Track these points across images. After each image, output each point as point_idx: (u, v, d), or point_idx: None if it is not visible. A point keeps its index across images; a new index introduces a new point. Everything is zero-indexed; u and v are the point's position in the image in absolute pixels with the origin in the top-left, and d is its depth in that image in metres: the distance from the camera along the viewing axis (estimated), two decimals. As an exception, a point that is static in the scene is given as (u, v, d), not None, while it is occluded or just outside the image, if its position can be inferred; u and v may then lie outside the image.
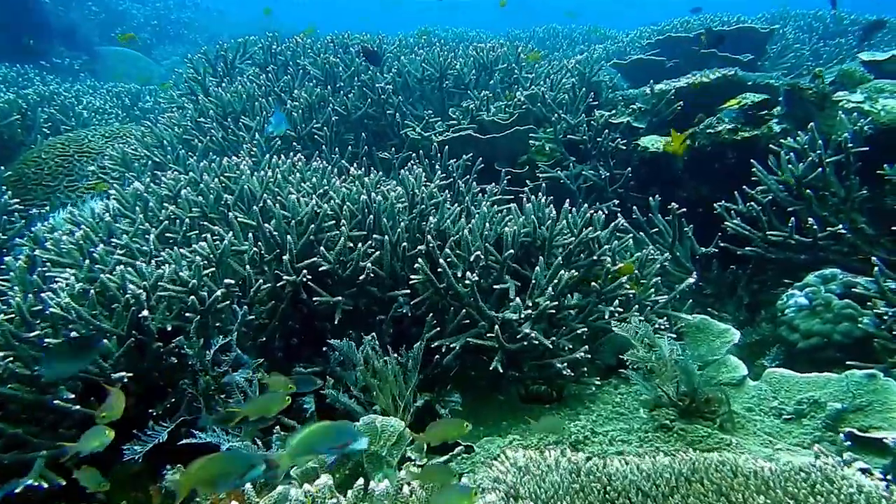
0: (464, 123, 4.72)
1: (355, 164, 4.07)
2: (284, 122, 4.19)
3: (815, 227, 3.00)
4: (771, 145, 3.40)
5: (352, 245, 2.76)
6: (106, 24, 13.07)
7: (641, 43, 7.81)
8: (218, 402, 2.39)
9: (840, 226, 2.96)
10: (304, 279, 2.61)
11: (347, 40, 5.80)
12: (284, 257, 2.61)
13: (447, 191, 3.59)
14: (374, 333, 2.66)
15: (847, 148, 3.01)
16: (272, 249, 2.77)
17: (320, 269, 2.67)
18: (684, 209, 3.44)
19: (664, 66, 6.09)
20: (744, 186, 3.36)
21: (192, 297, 2.36)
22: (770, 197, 3.24)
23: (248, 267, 2.56)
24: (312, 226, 2.79)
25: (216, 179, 3.17)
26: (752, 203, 3.24)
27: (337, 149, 4.41)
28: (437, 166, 4.06)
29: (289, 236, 2.64)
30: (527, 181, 4.31)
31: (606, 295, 2.81)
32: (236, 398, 2.37)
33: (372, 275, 2.69)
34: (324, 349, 2.70)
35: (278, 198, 3.08)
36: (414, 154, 4.24)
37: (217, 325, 2.47)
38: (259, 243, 2.74)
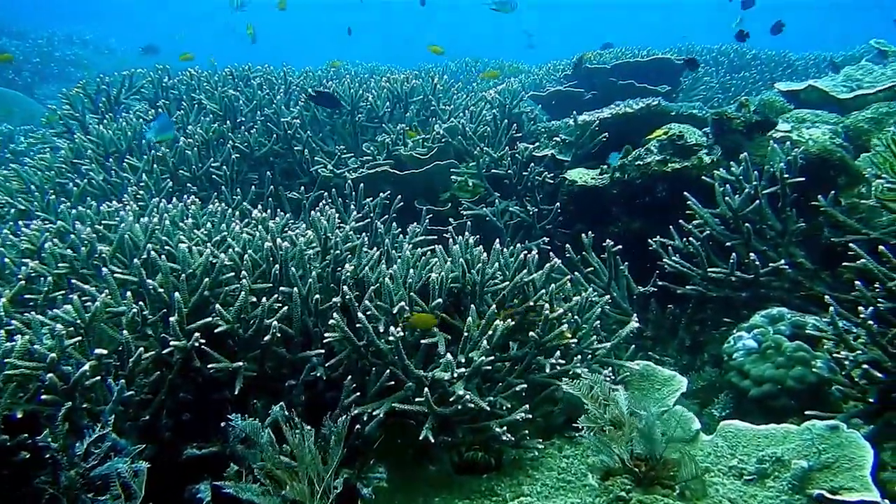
0: (379, 159, 4.47)
1: (259, 206, 3.73)
2: (171, 128, 3.83)
3: (756, 262, 2.90)
4: (703, 177, 3.32)
5: (255, 300, 2.41)
6: (-21, 61, 12.12)
7: (556, 75, 7.86)
8: (86, 501, 1.97)
9: (782, 261, 2.87)
10: (196, 343, 2.23)
11: (248, 72, 5.47)
12: (172, 318, 2.24)
13: (364, 233, 3.31)
14: (283, 403, 2.31)
15: (783, 179, 2.94)
16: (158, 310, 2.39)
17: (216, 329, 2.31)
18: (619, 246, 3.29)
19: (582, 97, 6.09)
20: (680, 221, 3.24)
21: (51, 374, 1.95)
22: (707, 232, 3.13)
23: (125, 332, 2.17)
24: (207, 279, 2.44)
25: (90, 228, 2.76)
26: (690, 238, 3.13)
27: (239, 189, 4.05)
28: (351, 206, 3.78)
29: (177, 293, 2.27)
30: (450, 219, 4.09)
31: (545, 345, 2.58)
32: (113, 493, 1.97)
33: (279, 334, 2.35)
34: (222, 424, 2.33)
35: (166, 247, 2.71)
36: (325, 193, 3.94)
37: (85, 406, 2.06)
38: (141, 303, 2.36)
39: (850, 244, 2.56)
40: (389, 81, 5.07)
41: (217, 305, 2.31)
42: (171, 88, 5.26)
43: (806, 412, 2.30)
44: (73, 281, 2.38)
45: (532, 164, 4.22)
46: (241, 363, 2.32)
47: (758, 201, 3.00)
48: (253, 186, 4.11)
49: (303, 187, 4.20)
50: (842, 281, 2.85)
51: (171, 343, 2.21)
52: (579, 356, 2.64)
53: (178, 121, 4.66)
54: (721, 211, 3.11)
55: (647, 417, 2.05)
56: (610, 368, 2.75)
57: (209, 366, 2.27)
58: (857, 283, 2.44)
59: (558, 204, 4.08)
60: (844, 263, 2.70)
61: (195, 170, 4.04)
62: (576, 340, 2.61)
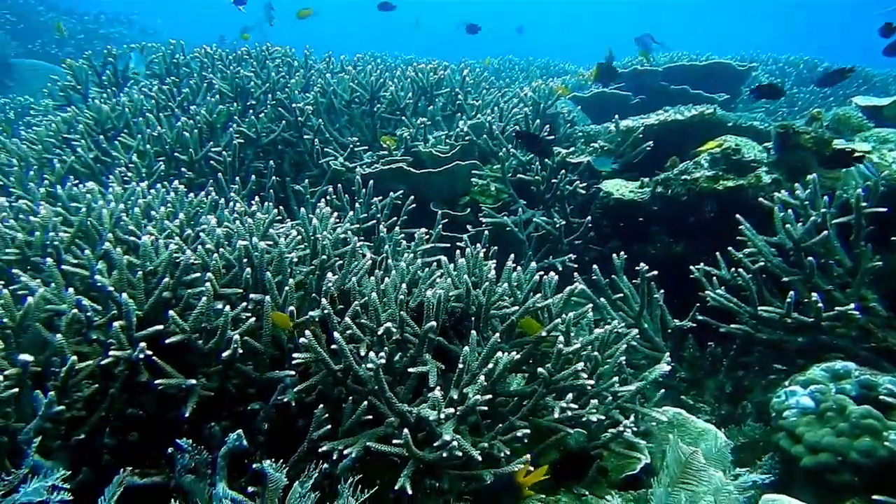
0: (396, 154, 4.18)
1: (257, 199, 3.48)
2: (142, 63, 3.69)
3: (818, 303, 2.53)
4: (761, 199, 2.96)
5: (220, 307, 2.14)
6: (24, 35, 12.20)
7: (604, 78, 7.52)
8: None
9: (850, 304, 2.50)
10: (141, 355, 1.97)
11: (267, 53, 5.24)
12: (116, 323, 1.97)
13: (361, 237, 3.03)
14: (240, 431, 2.03)
15: (859, 207, 2.57)
16: (110, 311, 2.14)
17: (167, 340, 2.04)
18: (655, 272, 2.95)
19: (629, 101, 5.73)
20: (729, 248, 2.89)
21: (-45, 383, 1.70)
22: (761, 263, 2.77)
23: (58, 336, 1.91)
24: (167, 279, 2.17)
25: (51, 211, 2.52)
26: (740, 269, 2.77)
27: (239, 178, 3.80)
28: (357, 204, 3.50)
29: (123, 294, 2.01)
30: (468, 226, 3.79)
31: (556, 385, 2.26)
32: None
33: (241, 350, 2.08)
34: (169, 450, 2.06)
35: (130, 238, 2.47)
36: (331, 188, 3.67)
37: (1, 423, 1.81)
38: (89, 301, 2.10)
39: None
40: (415, 70, 4.79)
41: (171, 312, 2.04)
42: (182, 65, 5.06)
43: (874, 497, 1.94)
44: (14, 270, 2.14)
45: (564, 170, 3.90)
46: (194, 381, 2.04)
47: (825, 232, 2.63)
48: (254, 176, 3.85)
49: (310, 181, 3.94)
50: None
51: (111, 352, 1.94)
52: (597, 399, 2.31)
53: (183, 99, 4.44)
54: (779, 240, 2.75)
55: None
56: (633, 415, 2.42)
57: (156, 381, 2.00)
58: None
59: (590, 217, 3.74)
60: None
61: (192, 153, 3.81)
62: (592, 382, 2.28)
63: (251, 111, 4.38)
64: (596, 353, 2.42)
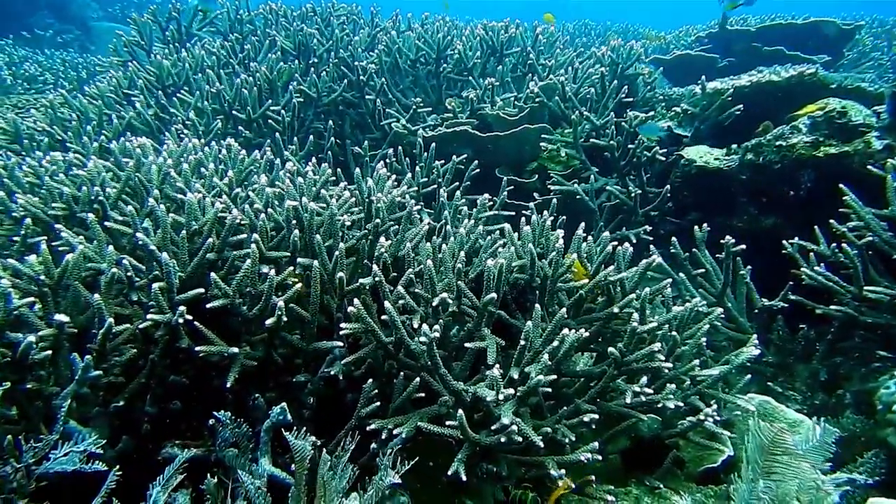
0: (461, 117, 3.99)
1: (314, 160, 3.36)
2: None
3: (935, 285, 2.24)
4: (869, 167, 2.64)
5: (266, 271, 2.02)
6: (107, -1, 12.43)
7: (687, 40, 7.10)
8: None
9: (974, 287, 2.20)
10: (181, 319, 1.86)
11: (332, 10, 5.09)
12: (155, 285, 1.87)
13: (420, 202, 2.87)
14: (283, 405, 1.92)
15: None
16: (150, 271, 2.05)
17: (209, 305, 1.93)
18: (742, 246, 2.69)
19: (716, 64, 5.35)
20: (830, 221, 2.60)
21: (-13, 341, 1.63)
22: (868, 238, 2.47)
23: (96, 296, 1.83)
24: (211, 240, 2.07)
25: (100, 164, 2.46)
26: (843, 245, 2.49)
27: (297, 139, 3.69)
28: (418, 167, 3.33)
29: (165, 254, 1.91)
30: (535, 194, 3.58)
31: (629, 366, 2.06)
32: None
33: (285, 317, 1.95)
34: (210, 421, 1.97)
35: (178, 195, 2.37)
36: (391, 151, 3.51)
37: (35, 387, 1.74)
38: (131, 261, 2.02)
39: None
40: (485, 28, 4.56)
41: (213, 275, 1.93)
42: (246, 22, 4.97)
43: None
44: (57, 226, 2.07)
45: (639, 137, 3.62)
46: (237, 349, 1.94)
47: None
48: (312, 137, 3.73)
49: (366, 143, 3.79)
50: None
51: (149, 316, 1.85)
52: (674, 384, 2.10)
53: (245, 57, 4.35)
54: (891, 213, 2.45)
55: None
56: (715, 403, 2.20)
57: (197, 348, 1.90)
58: None
59: (668, 187, 3.47)
60: None
61: (250, 112, 3.71)
62: (670, 365, 2.07)
63: (312, 70, 4.25)
64: (674, 332, 2.20)
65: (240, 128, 3.73)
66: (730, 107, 3.66)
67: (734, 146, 3.47)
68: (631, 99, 4.08)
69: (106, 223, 2.12)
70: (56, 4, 11.15)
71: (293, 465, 1.93)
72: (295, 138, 3.68)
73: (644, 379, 1.98)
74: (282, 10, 5.04)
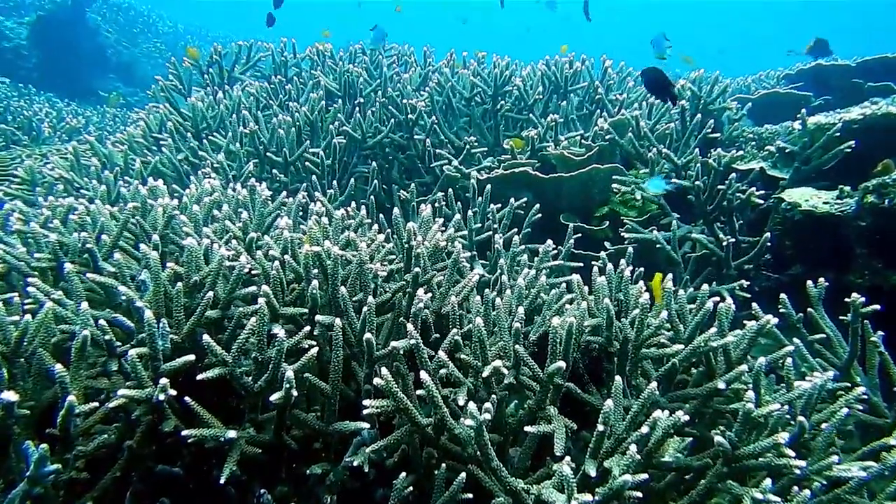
0: (521, 159, 3.63)
1: (353, 204, 3.04)
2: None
3: None
4: None
5: (279, 332, 1.65)
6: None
7: (770, 83, 6.66)
8: None
9: None
10: (162, 395, 1.50)
11: (381, 50, 4.87)
12: (132, 352, 1.52)
13: (473, 251, 2.49)
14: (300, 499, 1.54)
15: None
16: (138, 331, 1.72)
17: (199, 376, 1.57)
18: (876, 306, 2.20)
19: (809, 103, 4.88)
20: None
21: None
22: None
23: (58, 367, 1.48)
24: (211, 294, 1.72)
25: (110, 209, 2.17)
26: None
27: (337, 184, 3.38)
28: (470, 212, 2.96)
29: (148, 311, 1.57)
30: (605, 243, 3.16)
31: (741, 461, 1.60)
32: None
33: (295, 392, 1.57)
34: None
35: (180, 239, 2.06)
36: (440, 195, 3.16)
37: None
38: (110, 318, 1.69)
39: None
40: (547, 64, 4.24)
41: (205, 337, 1.57)
42: (292, 65, 4.78)
43: None
44: (31, 280, 1.75)
45: (732, 175, 3.18)
46: (235, 432, 1.56)
47: None
48: (353, 181, 3.42)
49: (414, 187, 3.46)
50: None
51: (120, 392, 1.49)
52: (807, 490, 1.62)
53: (287, 98, 4.12)
54: None
55: None
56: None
57: (184, 433, 1.53)
58: None
59: (767, 234, 3.01)
60: None
61: (287, 154, 3.43)
62: (803, 464, 1.59)
63: (357, 110, 3.99)
64: (801, 417, 1.73)
65: (275, 171, 3.45)
66: (838, 143, 3.19)
67: (846, 188, 3.00)
68: (717, 135, 3.65)
69: (89, 275, 1.80)
70: (122, 68, 11.66)
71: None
72: (335, 182, 3.38)
73: (768, 482, 1.51)
74: (328, 52, 4.84)
